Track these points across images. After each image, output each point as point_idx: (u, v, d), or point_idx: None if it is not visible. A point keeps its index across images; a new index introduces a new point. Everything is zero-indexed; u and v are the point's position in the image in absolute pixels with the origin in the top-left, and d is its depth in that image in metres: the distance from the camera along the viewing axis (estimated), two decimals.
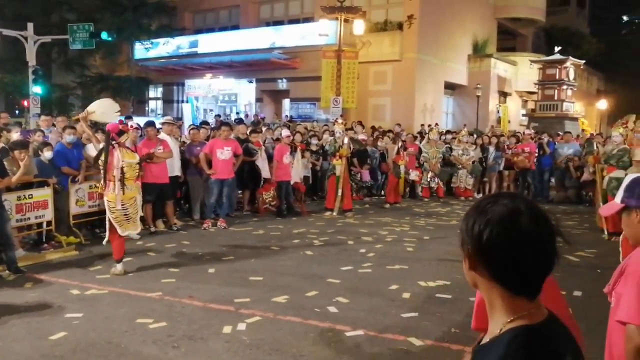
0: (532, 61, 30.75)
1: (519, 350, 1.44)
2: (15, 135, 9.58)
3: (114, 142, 8.02)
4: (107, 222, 8.07)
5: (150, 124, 11.60)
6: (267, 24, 30.12)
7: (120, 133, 8.14)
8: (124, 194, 7.98)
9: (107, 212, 8.01)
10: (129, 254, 9.11)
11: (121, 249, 8.06)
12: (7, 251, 8.06)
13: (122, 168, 7.97)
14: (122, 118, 17.68)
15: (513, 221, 1.46)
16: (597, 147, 12.85)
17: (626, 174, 7.96)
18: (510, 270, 1.47)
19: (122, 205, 7.99)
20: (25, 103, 23.91)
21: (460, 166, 16.70)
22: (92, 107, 8.72)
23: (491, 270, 1.49)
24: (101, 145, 8.25)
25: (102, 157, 8.03)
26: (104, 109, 8.76)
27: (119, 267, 8.01)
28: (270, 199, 13.20)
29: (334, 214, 13.09)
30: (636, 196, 2.71)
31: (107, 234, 8.12)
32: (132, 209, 8.11)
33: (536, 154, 16.97)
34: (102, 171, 8.07)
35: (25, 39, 22.08)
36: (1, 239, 8.08)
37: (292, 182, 13.22)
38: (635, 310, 2.43)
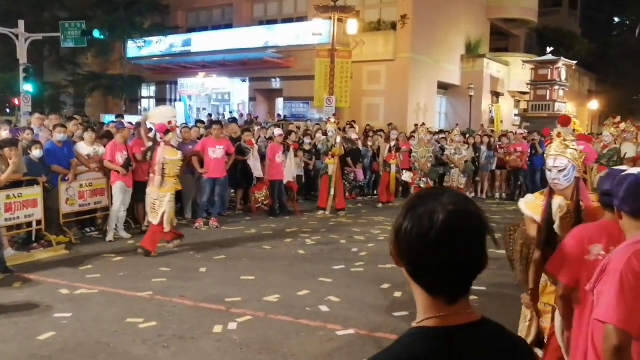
0: (524, 61, 30.82)
1: (394, 347, 1.40)
2: (4, 133, 9.50)
3: (160, 140, 9.06)
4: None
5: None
6: (261, 23, 30.07)
7: (166, 132, 9.13)
8: (160, 187, 8.94)
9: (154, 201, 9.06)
10: (120, 253, 9.09)
11: (156, 239, 9.13)
12: None
13: (162, 164, 8.94)
14: (114, 116, 17.67)
15: (431, 218, 1.35)
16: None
17: None
18: (425, 269, 1.38)
19: (156, 197, 8.98)
20: (16, 101, 23.75)
21: (452, 165, 16.68)
22: (151, 111, 9.72)
23: (408, 269, 1.41)
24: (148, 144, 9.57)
25: (149, 153, 9.24)
26: (162, 114, 9.98)
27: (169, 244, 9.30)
28: (263, 197, 13.15)
29: (327, 212, 13.06)
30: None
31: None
32: (158, 203, 8.99)
33: (528, 153, 17.02)
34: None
35: (16, 36, 21.91)
36: None
37: (284, 181, 13.18)
38: (613, 309, 2.41)
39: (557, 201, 3.74)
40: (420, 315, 1.42)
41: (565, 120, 4.73)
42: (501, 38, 37.76)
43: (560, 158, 3.75)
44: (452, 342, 1.37)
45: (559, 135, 3.86)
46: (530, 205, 3.95)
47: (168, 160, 9.03)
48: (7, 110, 29.86)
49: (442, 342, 1.36)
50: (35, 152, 9.47)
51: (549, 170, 3.79)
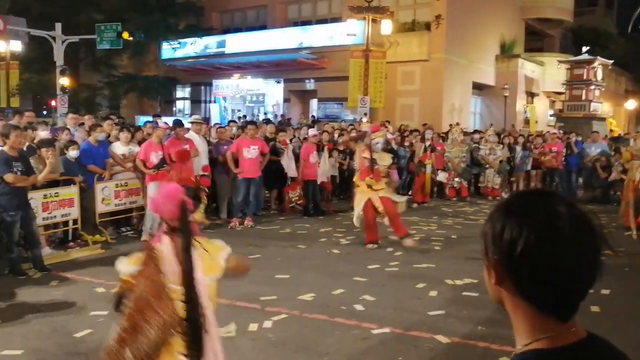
0: (559, 61, 30.32)
1: None
2: (42, 134, 9.64)
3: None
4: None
5: (179, 123, 11.60)
6: (295, 24, 30.11)
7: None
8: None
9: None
10: None
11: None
12: (34, 249, 8.11)
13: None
14: (150, 117, 17.84)
15: (553, 227, 1.20)
16: (632, 143, 12.71)
17: None
18: (546, 286, 1.21)
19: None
20: (53, 103, 24.15)
21: (487, 166, 16.51)
22: None
23: (521, 285, 1.24)
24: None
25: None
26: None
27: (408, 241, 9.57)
28: (297, 198, 13.15)
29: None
30: None
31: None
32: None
33: (564, 154, 16.77)
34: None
35: (53, 38, 22.30)
36: (27, 237, 8.14)
37: (319, 182, 13.15)
38: None
39: None
40: (525, 337, 1.29)
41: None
42: (536, 38, 37.27)
43: None
44: None
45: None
46: None
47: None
48: (45, 112, 30.38)
49: None
50: (72, 153, 9.59)
51: None
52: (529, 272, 1.22)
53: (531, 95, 32.44)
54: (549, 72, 32.38)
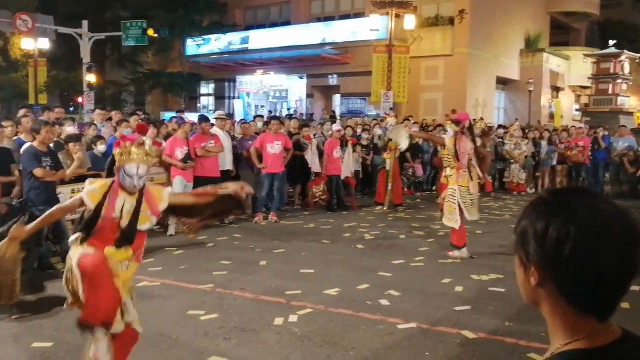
0: (585, 55, 30.00)
1: None
2: (69, 129, 9.75)
3: (462, 131, 8.59)
4: (446, 210, 8.64)
5: (205, 119, 11.69)
6: (318, 20, 30.13)
7: (457, 123, 8.67)
8: (472, 180, 8.52)
9: (458, 198, 8.46)
10: (181, 247, 9.22)
11: (463, 236, 8.57)
12: (62, 243, 8.21)
13: (467, 156, 8.48)
14: (174, 113, 17.96)
15: (600, 225, 1.18)
16: None
17: None
18: (592, 287, 1.20)
19: (468, 190, 8.54)
20: (80, 99, 24.45)
21: (512, 161, 16.39)
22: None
23: (565, 286, 1.22)
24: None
25: (449, 146, 8.72)
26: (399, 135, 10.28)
27: (457, 252, 8.53)
28: (320, 193, 13.16)
29: (385, 208, 12.97)
30: None
31: (446, 220, 8.72)
32: (475, 195, 8.63)
33: (590, 149, 16.57)
34: (449, 161, 8.71)
35: (80, 36, 22.57)
36: (56, 231, 8.24)
37: (343, 177, 13.15)
38: None
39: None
40: (564, 337, 1.27)
41: (142, 129, 4.61)
42: (562, 32, 36.86)
43: (143, 165, 4.02)
44: None
45: (141, 144, 4.05)
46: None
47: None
48: (71, 108, 30.75)
49: None
50: (100, 148, 9.69)
51: (131, 177, 4.00)
52: (576, 273, 1.20)
53: (556, 89, 32.14)
54: (575, 66, 32.05)
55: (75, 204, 4.20)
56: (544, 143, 17.11)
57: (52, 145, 8.22)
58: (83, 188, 7.91)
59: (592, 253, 1.18)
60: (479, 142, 8.97)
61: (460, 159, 8.53)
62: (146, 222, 4.10)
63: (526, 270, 1.28)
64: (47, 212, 4.30)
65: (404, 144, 10.83)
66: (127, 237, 4.04)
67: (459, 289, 7.01)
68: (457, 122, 8.73)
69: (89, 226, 3.99)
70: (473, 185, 8.58)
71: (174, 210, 4.34)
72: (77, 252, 3.92)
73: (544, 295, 1.27)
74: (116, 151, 4.09)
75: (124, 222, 3.99)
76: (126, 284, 4.09)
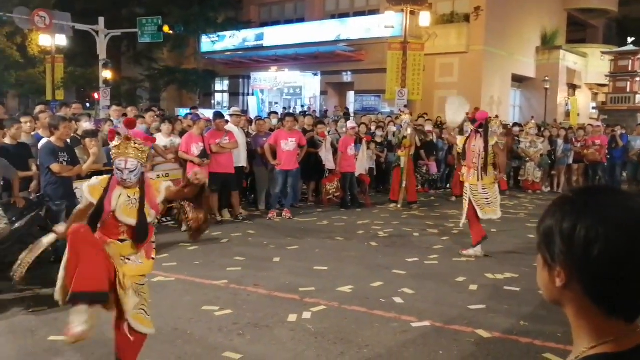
0: (603, 53, 29.78)
1: None
2: (85, 125, 9.81)
3: (477, 129, 8.65)
4: (465, 207, 8.67)
5: (220, 115, 11.73)
6: (333, 17, 30.10)
7: (473, 121, 8.83)
8: (482, 179, 8.48)
9: (470, 196, 8.53)
10: (195, 243, 9.24)
11: (479, 234, 8.51)
12: None
13: (479, 154, 8.52)
14: (189, 110, 18.03)
15: (634, 226, 1.15)
16: None
17: None
18: (623, 288, 1.16)
19: (483, 189, 8.52)
20: (96, 95, 24.59)
21: (528, 159, 16.30)
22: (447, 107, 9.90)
23: (594, 288, 1.18)
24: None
25: (459, 145, 8.95)
26: (455, 108, 9.72)
27: (471, 251, 8.54)
28: (334, 190, 13.16)
29: (399, 205, 12.95)
30: None
31: (463, 218, 8.83)
32: (492, 194, 8.58)
33: (607, 147, 16.43)
34: (459, 158, 8.91)
35: (97, 33, 22.69)
36: None
37: (357, 174, 13.14)
38: None
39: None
40: (589, 340, 1.23)
41: (129, 123, 4.57)
42: (579, 29, 36.57)
43: (131, 160, 4.04)
44: None
45: (127, 139, 4.09)
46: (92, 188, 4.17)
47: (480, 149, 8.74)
48: (88, 104, 30.94)
49: None
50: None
51: (121, 170, 4.06)
52: (605, 273, 1.16)
53: (573, 87, 31.91)
54: (592, 63, 31.82)
55: (86, 203, 4.23)
56: (560, 141, 16.98)
57: (68, 140, 8.28)
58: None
59: (622, 252, 1.14)
60: (495, 140, 8.86)
61: (467, 157, 8.63)
62: (136, 217, 4.11)
63: (551, 270, 1.25)
64: (72, 217, 4.35)
65: (458, 118, 10.37)
66: (140, 232, 4.10)
67: (473, 287, 6.99)
68: (472, 120, 8.81)
69: (94, 220, 4.06)
70: (488, 184, 8.54)
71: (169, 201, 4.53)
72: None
73: (569, 297, 1.23)
74: (111, 144, 4.18)
75: (119, 214, 4.04)
76: (134, 279, 4.10)
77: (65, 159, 7.90)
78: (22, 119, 8.98)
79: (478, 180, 8.50)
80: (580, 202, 1.21)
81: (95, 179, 4.22)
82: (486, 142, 8.59)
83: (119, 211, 4.05)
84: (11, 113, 12.99)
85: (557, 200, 1.27)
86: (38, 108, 11.02)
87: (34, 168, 8.39)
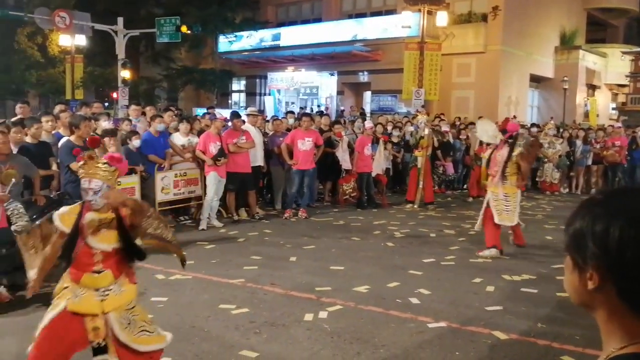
0: (623, 52, 29.49)
1: None
2: (104, 124, 9.91)
3: (507, 140, 8.80)
4: (482, 211, 8.92)
5: (237, 115, 11.78)
6: (350, 17, 30.04)
7: (503, 132, 9.02)
8: (502, 186, 8.67)
9: (490, 200, 8.76)
10: (212, 241, 9.31)
11: (493, 237, 8.63)
12: None
13: (505, 163, 8.68)
14: (206, 109, 18.10)
15: None
16: None
17: None
18: None
19: (505, 196, 8.68)
20: (114, 95, 24.77)
21: (546, 160, 16.19)
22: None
23: (627, 289, 1.16)
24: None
25: (486, 155, 9.29)
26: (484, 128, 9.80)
27: (487, 252, 8.61)
28: (350, 190, 13.17)
29: (415, 206, 12.93)
30: None
31: (478, 221, 9.07)
32: (512, 202, 8.72)
33: (627, 148, 16.26)
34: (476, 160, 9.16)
35: (115, 33, 22.87)
36: None
37: (373, 174, 13.13)
38: None
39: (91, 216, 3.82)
40: (620, 341, 1.21)
41: (93, 142, 4.48)
42: (599, 29, 36.17)
43: (95, 180, 3.81)
44: None
45: (91, 157, 3.87)
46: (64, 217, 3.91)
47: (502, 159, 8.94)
48: (106, 104, 31.18)
49: None
50: (135, 142, 9.84)
51: (85, 191, 3.82)
52: (635, 274, 1.15)
53: (592, 88, 31.62)
54: (612, 63, 31.49)
55: (58, 234, 3.93)
56: (578, 142, 16.85)
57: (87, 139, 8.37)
58: (118, 182, 8.03)
59: None
60: (519, 150, 8.96)
61: (491, 165, 8.90)
62: (111, 242, 3.84)
63: (581, 273, 1.23)
64: (42, 257, 3.96)
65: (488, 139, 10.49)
66: (131, 254, 3.95)
67: (490, 288, 6.97)
68: (502, 131, 9.01)
69: (68, 249, 3.83)
70: (511, 193, 8.71)
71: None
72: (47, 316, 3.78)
73: (601, 299, 1.21)
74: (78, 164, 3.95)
75: (91, 240, 3.79)
76: (120, 310, 3.87)
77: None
78: (43, 118, 9.12)
79: (499, 187, 8.68)
80: (612, 204, 1.20)
81: (64, 208, 4.01)
82: (511, 152, 8.71)
83: (86, 233, 3.80)
84: (32, 112, 13.08)
85: (586, 202, 1.26)
86: (58, 107, 11.14)
87: (54, 166, 8.50)
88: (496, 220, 8.65)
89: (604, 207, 1.20)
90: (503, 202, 8.69)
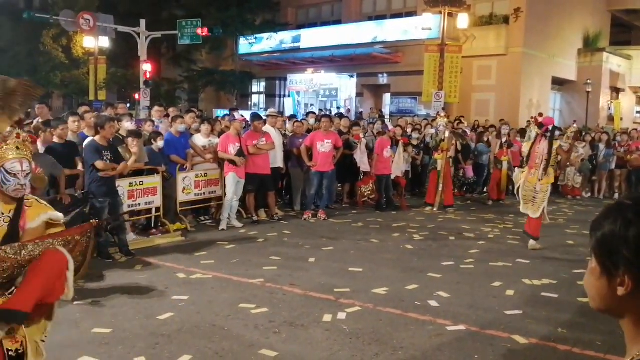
0: None
1: None
2: (127, 125, 10.03)
3: (544, 134, 9.28)
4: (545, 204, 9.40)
5: (257, 116, 11.85)
6: (370, 19, 30.03)
7: (540, 126, 9.49)
8: (541, 179, 9.22)
9: (520, 188, 9.53)
10: (232, 242, 9.37)
11: (536, 228, 9.36)
12: (120, 234, 8.48)
13: (542, 156, 9.19)
14: (228, 111, 18.23)
15: None
16: None
17: None
18: None
19: (540, 187, 9.27)
20: (137, 96, 25.00)
21: (568, 164, 16.05)
22: None
23: None
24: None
25: (525, 150, 9.74)
26: None
27: (532, 242, 9.35)
28: (369, 192, 13.17)
29: (435, 209, 12.90)
30: None
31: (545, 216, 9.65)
32: (541, 196, 9.30)
33: None
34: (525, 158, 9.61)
35: (138, 34, 23.11)
36: (114, 223, 8.50)
37: (393, 177, 13.13)
38: None
39: None
40: None
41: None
42: (624, 31, 35.70)
43: (26, 162, 3.30)
44: None
45: (18, 136, 3.30)
46: None
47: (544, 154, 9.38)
48: (128, 104, 31.44)
49: None
50: (159, 143, 9.95)
51: (15, 175, 3.23)
52: None
53: (616, 90, 31.25)
54: (637, 66, 31.07)
55: None
56: (602, 146, 16.66)
57: (111, 139, 8.49)
58: (140, 182, 8.15)
59: None
60: (558, 143, 9.40)
61: (531, 158, 9.36)
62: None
63: (611, 278, 1.21)
64: None
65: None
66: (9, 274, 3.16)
67: (509, 292, 6.95)
68: (539, 125, 9.42)
69: None
70: (545, 185, 9.26)
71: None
72: None
73: (631, 304, 1.20)
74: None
75: None
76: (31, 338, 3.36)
77: (109, 158, 8.14)
78: (70, 119, 9.30)
79: (538, 180, 9.21)
80: None
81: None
82: (550, 145, 9.15)
83: None
84: (52, 114, 13.23)
85: (615, 207, 1.24)
86: (82, 108, 11.29)
87: (79, 166, 8.65)
88: (521, 208, 9.43)
89: (635, 212, 1.18)
90: (532, 193, 9.26)
